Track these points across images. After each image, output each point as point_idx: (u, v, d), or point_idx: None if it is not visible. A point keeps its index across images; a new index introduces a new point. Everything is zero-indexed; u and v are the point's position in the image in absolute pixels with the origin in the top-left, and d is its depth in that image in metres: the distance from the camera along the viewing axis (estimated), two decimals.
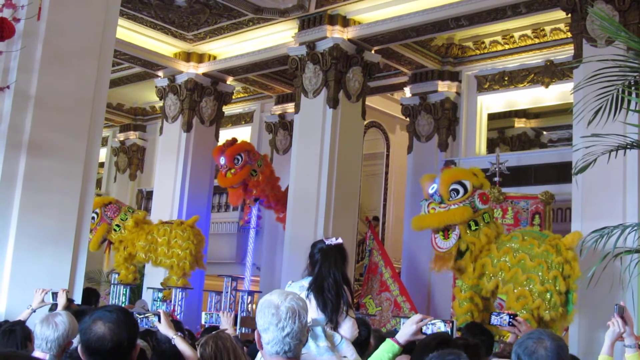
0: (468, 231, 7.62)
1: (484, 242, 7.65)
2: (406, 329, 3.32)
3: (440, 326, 3.49)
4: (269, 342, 2.55)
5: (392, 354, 3.25)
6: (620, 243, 5.14)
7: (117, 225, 11.07)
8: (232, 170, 12.05)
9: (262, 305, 2.59)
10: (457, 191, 7.69)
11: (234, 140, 12.55)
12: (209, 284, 13.62)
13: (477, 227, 7.64)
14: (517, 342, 3.01)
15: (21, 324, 4.50)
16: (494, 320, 4.28)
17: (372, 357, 3.29)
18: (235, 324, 9.03)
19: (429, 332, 3.38)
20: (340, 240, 4.18)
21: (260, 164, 12.49)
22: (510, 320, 4.28)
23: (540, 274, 7.32)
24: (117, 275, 11.34)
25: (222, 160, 12.16)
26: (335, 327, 3.96)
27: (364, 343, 4.64)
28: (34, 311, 5.56)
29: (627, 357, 3.79)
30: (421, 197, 13.46)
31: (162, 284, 11.28)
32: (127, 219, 11.11)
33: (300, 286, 4.03)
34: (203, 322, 5.84)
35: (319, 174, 11.37)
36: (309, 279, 4.09)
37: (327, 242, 4.16)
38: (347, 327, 3.97)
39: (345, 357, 3.80)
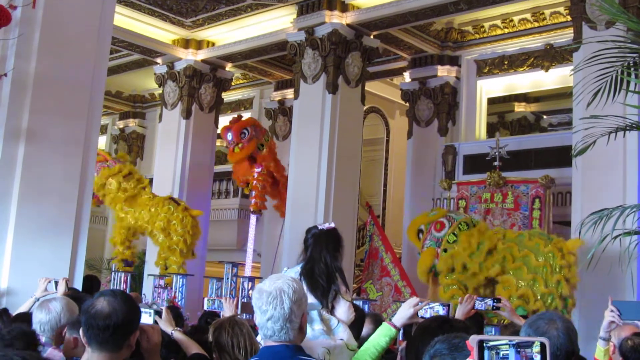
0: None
1: (466, 244, 8.46)
2: (403, 312, 3.31)
3: (438, 309, 3.49)
4: (257, 325, 2.59)
5: (389, 337, 3.25)
6: (620, 225, 5.13)
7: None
8: (240, 145, 12.22)
9: (254, 289, 2.64)
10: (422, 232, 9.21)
11: (240, 117, 12.84)
12: (210, 270, 13.64)
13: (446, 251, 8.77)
14: (528, 322, 2.95)
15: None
16: (478, 305, 4.26)
17: (369, 341, 3.29)
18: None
19: (427, 315, 3.37)
20: (332, 225, 4.17)
21: (268, 139, 12.84)
22: (494, 304, 4.26)
23: (544, 276, 7.42)
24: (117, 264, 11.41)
25: (230, 136, 12.41)
26: (332, 311, 3.95)
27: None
28: (38, 300, 5.56)
29: (598, 350, 3.78)
30: (421, 182, 13.51)
31: (161, 271, 11.32)
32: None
33: (295, 272, 4.02)
34: (205, 308, 5.84)
35: (318, 159, 11.36)
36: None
37: (320, 227, 4.15)
38: (342, 311, 3.94)
39: (341, 339, 3.79)
